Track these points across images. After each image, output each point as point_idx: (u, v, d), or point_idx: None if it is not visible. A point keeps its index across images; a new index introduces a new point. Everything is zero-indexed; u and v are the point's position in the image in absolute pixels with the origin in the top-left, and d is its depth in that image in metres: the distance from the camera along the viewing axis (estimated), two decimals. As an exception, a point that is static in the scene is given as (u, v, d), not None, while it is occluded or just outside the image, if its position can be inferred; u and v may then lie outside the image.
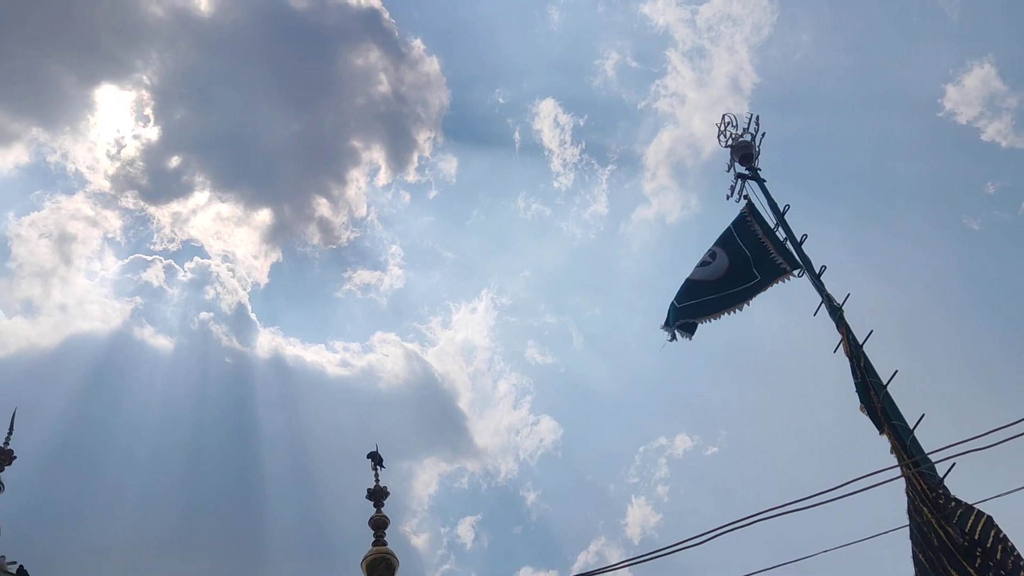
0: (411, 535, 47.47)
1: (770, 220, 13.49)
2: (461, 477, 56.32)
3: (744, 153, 14.22)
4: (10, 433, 18.27)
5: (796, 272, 12.98)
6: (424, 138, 60.42)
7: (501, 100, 62.28)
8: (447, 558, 51.82)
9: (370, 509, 18.71)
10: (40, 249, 53.87)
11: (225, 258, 58.06)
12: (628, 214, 59.99)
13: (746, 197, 14.01)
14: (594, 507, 53.47)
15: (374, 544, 18.05)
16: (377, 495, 18.66)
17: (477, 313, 61.37)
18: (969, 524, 8.70)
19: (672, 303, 13.42)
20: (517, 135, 60.56)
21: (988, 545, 8.51)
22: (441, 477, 55.31)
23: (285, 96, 57.73)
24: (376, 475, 19.00)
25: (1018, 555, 8.41)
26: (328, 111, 59.92)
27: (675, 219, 56.16)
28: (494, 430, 58.07)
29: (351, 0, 61.68)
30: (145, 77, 56.12)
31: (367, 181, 61.33)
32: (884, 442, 10.17)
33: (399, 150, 60.45)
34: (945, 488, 9.24)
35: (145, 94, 56.49)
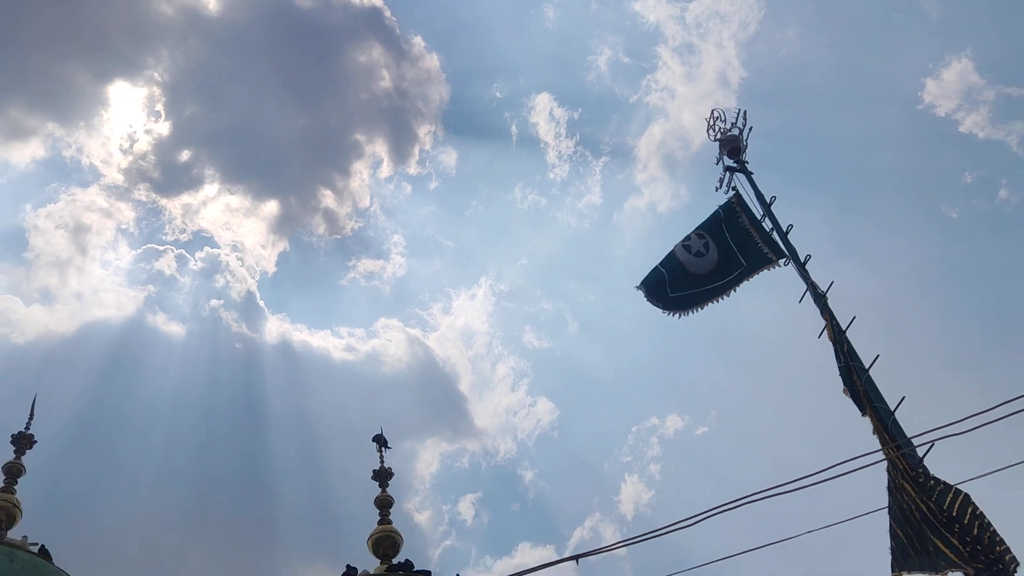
0: (414, 512, 47.55)
1: (757, 211, 13.46)
2: (462, 457, 56.44)
3: (732, 147, 14.18)
4: (31, 419, 18.22)
5: (782, 261, 12.94)
6: (425, 132, 60.27)
7: (498, 95, 62.08)
8: (448, 534, 52.00)
9: (375, 489, 18.73)
10: (56, 240, 53.75)
11: (234, 248, 57.95)
12: (621, 204, 59.95)
13: (734, 189, 13.97)
14: (589, 485, 53.63)
15: (380, 523, 18.06)
16: (382, 476, 18.66)
17: (476, 299, 61.36)
18: (947, 501, 8.72)
19: (659, 269, 13.23)
20: (514, 128, 60.40)
21: (965, 521, 8.54)
22: (443, 456, 55.42)
23: (291, 92, 57.50)
24: (381, 456, 18.99)
25: (994, 531, 8.44)
26: (332, 106, 59.71)
27: (666, 208, 56.07)
28: (493, 412, 58.17)
29: (354, -1, 61.52)
30: (156, 74, 55.88)
31: (370, 173, 61.16)
32: (866, 423, 10.18)
33: (401, 143, 60.29)
34: (924, 467, 9.26)
35: (156, 91, 56.23)
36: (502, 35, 64.31)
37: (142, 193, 55.87)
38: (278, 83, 56.58)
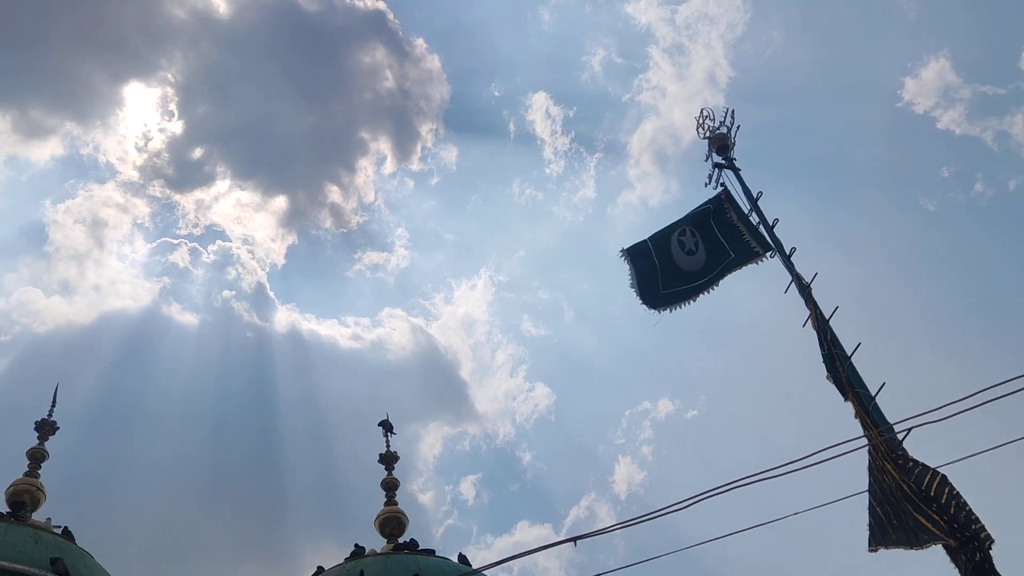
0: (418, 493, 47.79)
1: (744, 206, 13.48)
2: (463, 440, 56.71)
3: (721, 144, 14.16)
4: (53, 406, 18.29)
5: (768, 254, 12.96)
6: (427, 129, 60.29)
7: (497, 94, 62.12)
8: (451, 513, 52.28)
9: (382, 471, 18.82)
10: (75, 234, 53.85)
11: (245, 241, 58.11)
12: (614, 198, 60.07)
13: (722, 185, 13.95)
14: (584, 466, 53.90)
15: (386, 504, 18.17)
16: (388, 459, 18.75)
17: (476, 290, 61.52)
18: (926, 482, 8.79)
19: (648, 246, 13.12)
20: (512, 126, 60.48)
21: (943, 501, 8.61)
22: (445, 440, 55.68)
23: (298, 92, 57.48)
24: (387, 441, 19.09)
25: (970, 510, 8.52)
26: (338, 105, 59.72)
27: (657, 202, 56.19)
28: (493, 397, 58.36)
29: (358, 2, 61.43)
30: (169, 75, 55.89)
31: (375, 169, 61.29)
32: (848, 408, 10.24)
33: (404, 141, 60.38)
34: (904, 450, 9.34)
35: (170, 91, 56.32)
36: (500, 37, 64.34)
37: (156, 189, 56.01)
38: (286, 83, 56.62)
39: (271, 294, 56.47)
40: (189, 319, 51.76)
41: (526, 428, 55.79)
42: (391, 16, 62.01)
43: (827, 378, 10.69)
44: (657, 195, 56.80)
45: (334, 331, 57.09)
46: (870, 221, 50.01)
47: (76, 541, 15.91)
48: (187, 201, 57.76)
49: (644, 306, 12.97)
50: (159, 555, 36.90)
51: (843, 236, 47.39)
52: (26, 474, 17.06)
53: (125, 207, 56.05)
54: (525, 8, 64.27)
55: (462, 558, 16.99)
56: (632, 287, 12.83)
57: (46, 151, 54.71)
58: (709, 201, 13.88)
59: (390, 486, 18.36)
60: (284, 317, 55.77)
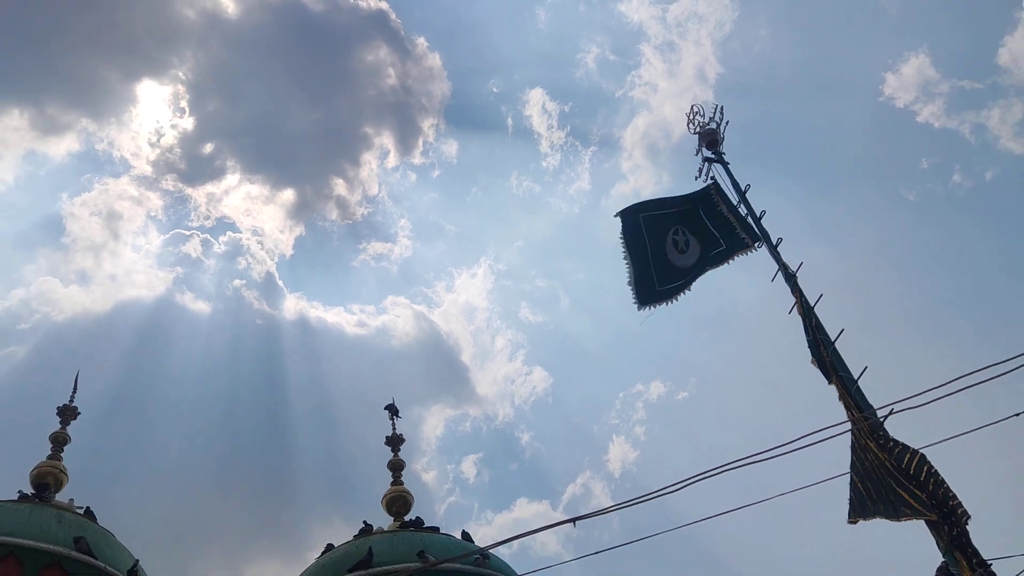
0: (422, 472, 47.96)
1: (733, 198, 13.47)
2: (464, 421, 56.92)
3: (710, 139, 14.12)
4: (74, 392, 18.32)
5: (757, 245, 12.99)
6: (428, 125, 60.27)
7: (495, 90, 62.06)
8: (453, 491, 52.55)
9: (388, 452, 18.88)
10: (91, 226, 53.86)
11: (254, 232, 58.12)
12: (608, 190, 60.07)
13: (712, 178, 13.94)
14: (580, 446, 54.19)
15: (392, 484, 18.24)
16: (394, 441, 18.80)
17: (477, 278, 61.62)
18: (905, 460, 8.83)
19: (639, 223, 13.01)
20: (510, 121, 60.47)
21: (922, 479, 8.65)
22: (447, 421, 55.89)
23: (305, 89, 57.40)
24: (393, 424, 19.14)
25: (947, 487, 8.56)
26: (343, 102, 59.63)
27: (649, 194, 56.17)
28: (493, 380, 58.56)
29: (362, 3, 61.22)
30: (181, 73, 55.81)
31: (378, 163, 61.24)
32: (832, 391, 10.28)
33: (406, 135, 60.38)
34: (885, 430, 9.38)
35: (181, 88, 56.25)
36: (498, 36, 64.20)
37: (169, 183, 55.98)
38: (293, 81, 56.54)
39: (280, 283, 56.60)
40: (201, 307, 51.89)
41: (524, 410, 56.05)
42: (393, 16, 61.96)
43: (812, 362, 10.72)
44: (649, 187, 56.83)
45: (340, 318, 57.29)
46: (853, 212, 50.13)
47: (98, 520, 15.97)
48: (199, 194, 57.80)
49: (645, 306, 12.86)
50: (176, 533, 37.10)
51: (827, 227, 47.56)
52: (49, 457, 17.11)
53: (139, 200, 56.08)
54: (522, 8, 64.16)
55: (465, 535, 17.08)
56: (629, 284, 12.79)
57: (63, 147, 54.72)
58: (697, 191, 13.87)
59: (396, 467, 18.42)
60: (292, 305, 55.91)
